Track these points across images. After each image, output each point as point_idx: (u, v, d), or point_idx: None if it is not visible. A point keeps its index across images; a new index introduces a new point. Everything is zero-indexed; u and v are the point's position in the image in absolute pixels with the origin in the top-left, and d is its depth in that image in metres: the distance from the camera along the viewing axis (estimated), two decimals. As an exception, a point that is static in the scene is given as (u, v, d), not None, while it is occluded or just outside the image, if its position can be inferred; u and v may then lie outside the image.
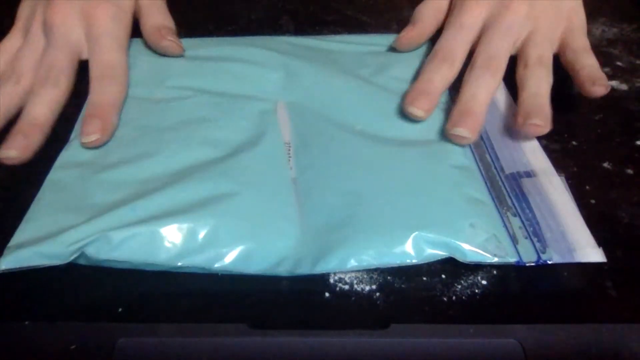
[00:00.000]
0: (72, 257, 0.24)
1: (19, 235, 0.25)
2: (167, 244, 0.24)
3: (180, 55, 0.35)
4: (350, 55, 0.36)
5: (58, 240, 0.24)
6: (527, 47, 0.33)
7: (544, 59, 0.33)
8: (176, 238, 0.24)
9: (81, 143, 0.29)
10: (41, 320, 0.22)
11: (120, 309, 0.23)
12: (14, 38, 0.35)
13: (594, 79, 0.31)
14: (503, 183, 0.28)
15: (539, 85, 0.31)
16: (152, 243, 0.24)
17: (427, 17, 0.37)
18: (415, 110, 0.30)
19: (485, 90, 0.31)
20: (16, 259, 0.24)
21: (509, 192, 0.28)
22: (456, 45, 0.33)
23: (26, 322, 0.22)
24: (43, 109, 0.30)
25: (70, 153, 0.29)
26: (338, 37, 0.39)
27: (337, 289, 0.24)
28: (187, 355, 0.21)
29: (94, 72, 0.32)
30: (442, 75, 0.32)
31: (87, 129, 0.29)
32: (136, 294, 0.24)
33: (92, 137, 0.29)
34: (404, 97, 0.31)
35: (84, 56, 0.34)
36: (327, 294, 0.24)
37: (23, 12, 0.36)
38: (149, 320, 0.23)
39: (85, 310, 0.24)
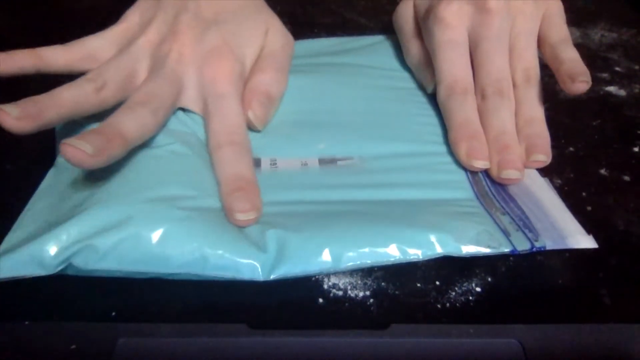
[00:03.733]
0: (59, 268, 0.23)
1: (5, 244, 0.24)
2: (155, 250, 0.24)
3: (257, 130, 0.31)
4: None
5: (43, 248, 0.23)
6: (512, 59, 0.32)
7: (530, 74, 0.32)
8: (166, 243, 0.24)
9: (236, 221, 0.25)
10: (41, 320, 0.23)
11: (120, 309, 0.23)
12: (105, 40, 0.31)
13: (574, 75, 0.30)
14: (489, 187, 0.28)
15: (531, 108, 0.31)
16: (139, 249, 0.24)
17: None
18: (480, 163, 0.29)
19: (509, 118, 0.30)
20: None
21: (496, 195, 0.28)
22: (462, 69, 0.32)
23: (26, 322, 0.22)
24: (132, 128, 0.26)
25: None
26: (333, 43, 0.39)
27: (331, 295, 0.24)
28: (187, 355, 0.21)
29: (221, 136, 0.29)
30: (472, 107, 0.31)
31: (242, 206, 0.25)
32: (136, 294, 0.24)
33: (251, 215, 0.25)
34: (457, 150, 0.29)
35: (186, 106, 0.31)
36: (320, 300, 0.24)
37: (132, 17, 0.32)
38: (148, 320, 0.23)
39: (85, 310, 0.24)
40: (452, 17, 0.32)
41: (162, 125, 0.29)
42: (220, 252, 0.24)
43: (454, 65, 0.32)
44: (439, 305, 0.24)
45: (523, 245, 0.25)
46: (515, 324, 0.22)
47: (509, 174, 0.28)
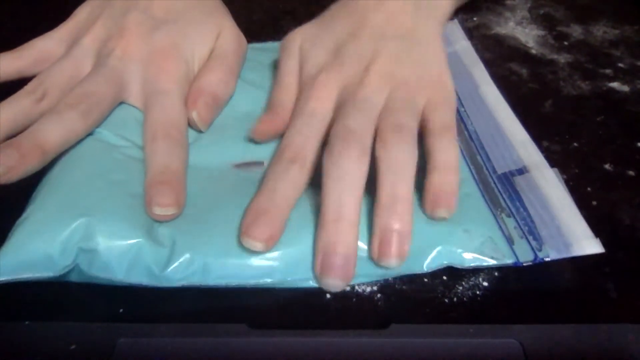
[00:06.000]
0: (65, 271, 0.23)
1: (12, 240, 0.24)
2: (155, 264, 0.23)
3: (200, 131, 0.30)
4: None
5: (51, 249, 0.23)
6: (383, 117, 0.27)
7: (403, 129, 0.26)
8: (166, 255, 0.24)
9: (152, 214, 0.24)
10: (41, 320, 0.22)
11: (120, 309, 0.23)
12: (54, 40, 0.31)
13: (438, 197, 0.25)
14: (495, 184, 0.28)
15: (401, 166, 0.24)
16: (143, 261, 0.23)
17: (288, 101, 0.30)
18: (252, 243, 0.23)
19: (349, 181, 0.24)
20: (6, 271, 0.23)
21: (502, 192, 0.27)
22: (304, 140, 0.27)
23: (26, 322, 0.22)
24: (56, 135, 0.26)
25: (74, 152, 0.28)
26: None
27: (331, 294, 0.24)
28: (187, 355, 0.21)
29: (158, 128, 0.27)
30: (291, 180, 0.25)
31: (162, 200, 0.24)
32: (136, 294, 0.24)
33: (170, 211, 0.24)
34: (241, 220, 0.24)
35: (128, 101, 0.30)
36: (327, 295, 0.24)
37: (81, 14, 0.32)
38: (149, 320, 0.23)
39: (85, 310, 0.24)
40: (323, 89, 0.28)
41: (96, 124, 0.28)
42: (223, 260, 0.24)
43: (297, 133, 0.27)
44: (439, 305, 0.24)
45: (526, 257, 0.24)
46: (515, 324, 0.22)
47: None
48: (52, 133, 0.26)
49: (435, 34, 0.31)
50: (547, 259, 0.24)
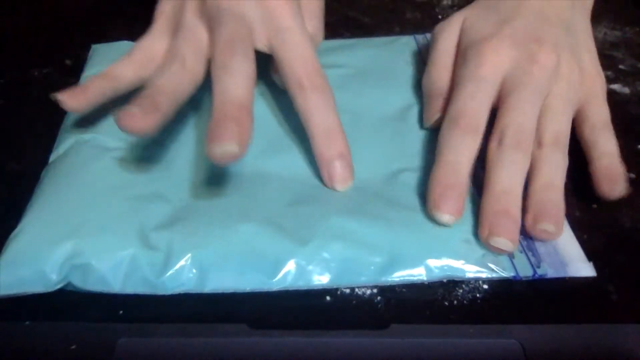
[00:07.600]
0: (59, 286, 0.23)
1: (7, 254, 0.24)
2: (150, 272, 0.23)
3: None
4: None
5: (45, 266, 0.23)
6: (545, 118, 0.28)
7: (560, 138, 0.28)
8: (158, 263, 0.24)
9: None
10: (41, 320, 0.23)
11: (120, 309, 0.23)
12: (154, 37, 0.31)
13: (613, 177, 0.27)
14: None
15: (553, 173, 0.26)
16: (138, 270, 0.23)
17: (444, 82, 0.31)
18: (444, 217, 0.25)
19: (520, 177, 0.26)
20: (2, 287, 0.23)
21: None
22: (478, 107, 0.27)
23: (26, 322, 0.22)
24: (241, 89, 0.25)
25: (58, 162, 0.28)
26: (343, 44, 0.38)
27: (338, 292, 0.24)
28: (187, 355, 0.21)
29: (301, 74, 0.27)
30: (468, 150, 0.26)
31: (341, 174, 0.27)
32: (136, 295, 0.24)
33: (347, 182, 0.27)
34: (428, 193, 0.26)
35: (257, 45, 0.29)
36: (328, 297, 0.24)
37: (164, 9, 0.31)
38: (149, 320, 0.23)
39: (85, 310, 0.24)
40: (494, 55, 0.28)
41: (254, 64, 0.27)
42: (220, 267, 0.24)
43: (470, 99, 0.27)
44: (439, 305, 0.24)
45: (525, 272, 0.24)
46: (515, 324, 0.22)
47: (499, 242, 0.24)
48: (238, 89, 0.25)
49: (589, 25, 0.33)
50: (545, 277, 0.24)
